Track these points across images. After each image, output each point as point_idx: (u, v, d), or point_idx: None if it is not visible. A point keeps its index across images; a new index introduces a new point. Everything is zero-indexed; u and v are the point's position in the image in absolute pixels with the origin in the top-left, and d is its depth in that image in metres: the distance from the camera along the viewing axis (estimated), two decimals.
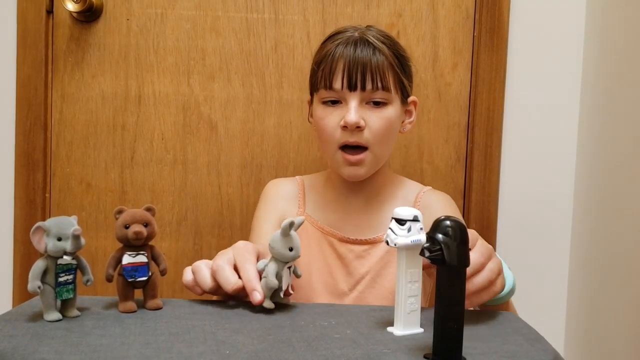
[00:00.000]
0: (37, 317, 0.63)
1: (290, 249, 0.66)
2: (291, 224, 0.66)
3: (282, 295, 0.69)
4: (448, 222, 0.53)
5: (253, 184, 1.28)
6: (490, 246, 0.67)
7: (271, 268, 0.67)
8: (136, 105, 1.26)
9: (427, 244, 0.54)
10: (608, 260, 1.11)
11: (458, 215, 1.00)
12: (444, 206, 0.99)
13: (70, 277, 0.63)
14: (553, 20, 1.27)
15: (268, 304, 0.67)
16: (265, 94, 1.27)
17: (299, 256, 0.68)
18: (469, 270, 0.58)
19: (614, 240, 1.09)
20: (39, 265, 0.62)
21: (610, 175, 1.12)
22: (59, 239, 0.61)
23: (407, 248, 0.60)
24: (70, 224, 0.62)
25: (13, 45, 1.24)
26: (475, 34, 1.27)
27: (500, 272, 0.65)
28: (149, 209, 0.67)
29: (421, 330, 0.63)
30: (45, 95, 1.25)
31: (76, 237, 0.61)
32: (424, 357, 0.55)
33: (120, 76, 1.26)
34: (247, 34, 1.26)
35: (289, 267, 0.68)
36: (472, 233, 0.64)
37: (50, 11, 1.24)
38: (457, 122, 1.29)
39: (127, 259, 0.66)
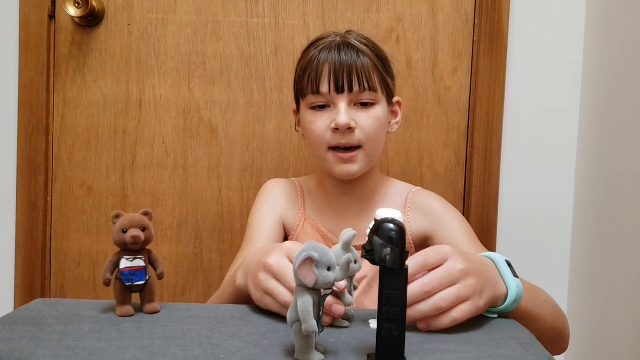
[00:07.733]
0: (35, 320, 0.63)
1: (355, 262, 0.61)
2: (353, 236, 0.59)
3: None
4: (385, 225, 0.53)
5: (253, 188, 1.28)
6: (464, 267, 0.62)
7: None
8: (137, 109, 1.27)
9: (366, 244, 0.54)
10: (608, 265, 1.11)
11: (453, 210, 1.00)
12: (436, 203, 1.00)
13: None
14: (553, 24, 1.27)
15: (340, 322, 0.66)
16: (265, 98, 1.27)
17: (360, 268, 0.62)
18: (415, 295, 0.58)
19: (614, 245, 1.09)
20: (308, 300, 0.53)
21: (610, 180, 1.12)
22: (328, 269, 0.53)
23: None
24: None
25: (15, 50, 1.25)
26: (475, 39, 1.27)
27: (467, 299, 0.62)
28: (146, 214, 0.68)
29: None
30: (47, 100, 1.26)
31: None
32: (367, 356, 0.55)
33: (122, 80, 1.27)
34: (248, 38, 1.27)
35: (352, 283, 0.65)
36: (440, 251, 0.63)
37: (52, 16, 1.25)
38: (457, 126, 1.29)
39: (124, 263, 0.66)
